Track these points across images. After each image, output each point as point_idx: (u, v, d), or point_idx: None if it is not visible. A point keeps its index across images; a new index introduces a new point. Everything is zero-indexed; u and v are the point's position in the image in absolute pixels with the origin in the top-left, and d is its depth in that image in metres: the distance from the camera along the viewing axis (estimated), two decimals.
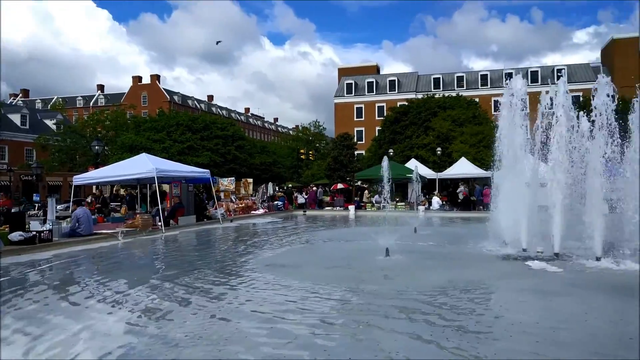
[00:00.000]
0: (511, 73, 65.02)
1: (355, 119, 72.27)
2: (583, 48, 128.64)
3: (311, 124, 75.93)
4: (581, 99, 11.24)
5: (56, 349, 4.63)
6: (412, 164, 30.99)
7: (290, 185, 47.00)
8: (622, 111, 9.81)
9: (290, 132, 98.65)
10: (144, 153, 20.54)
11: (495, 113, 48.35)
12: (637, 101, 9.76)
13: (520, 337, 4.83)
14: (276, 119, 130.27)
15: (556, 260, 9.38)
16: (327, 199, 33.56)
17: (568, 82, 11.00)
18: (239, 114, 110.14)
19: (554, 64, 69.93)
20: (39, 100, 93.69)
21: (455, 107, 42.65)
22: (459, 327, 5.16)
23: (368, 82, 73.04)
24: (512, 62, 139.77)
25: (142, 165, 17.45)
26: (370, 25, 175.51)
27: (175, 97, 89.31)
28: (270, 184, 35.22)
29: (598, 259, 9.08)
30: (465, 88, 66.70)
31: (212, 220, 20.51)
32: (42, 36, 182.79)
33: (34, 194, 35.85)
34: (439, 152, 36.02)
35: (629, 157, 9.74)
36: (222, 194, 25.52)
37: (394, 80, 72.53)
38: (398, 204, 27.80)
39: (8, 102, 79.97)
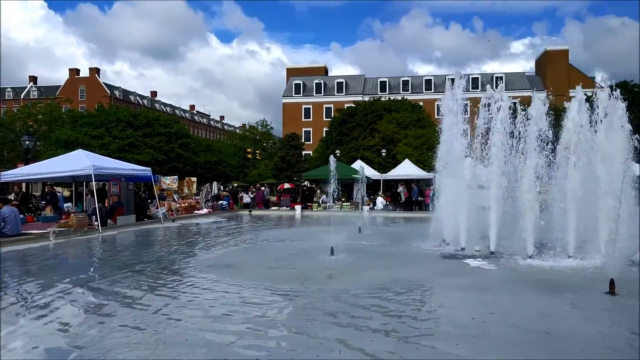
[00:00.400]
0: (453, 78, 67.66)
1: (303, 119, 72.40)
2: (519, 58, 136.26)
3: (258, 123, 75.26)
4: (518, 105, 11.95)
5: None
6: (358, 164, 31.45)
7: (235, 184, 46.31)
8: (554, 117, 10.43)
9: (237, 130, 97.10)
10: (80, 149, 19.48)
11: (438, 117, 50.09)
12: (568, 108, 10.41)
13: (457, 333, 4.99)
14: (222, 117, 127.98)
15: (492, 258, 9.81)
16: (274, 198, 33.37)
17: (505, 90, 11.54)
18: (184, 111, 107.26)
19: (493, 71, 73.36)
20: None
21: (401, 110, 43.74)
22: (401, 325, 5.27)
23: (316, 83, 73.38)
24: (454, 68, 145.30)
25: (77, 162, 16.54)
26: (319, 26, 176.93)
27: (116, 92, 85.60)
28: (215, 183, 34.54)
29: (530, 256, 9.59)
30: (410, 92, 68.53)
31: (153, 220, 19.80)
32: None
33: None
34: (383, 154, 36.77)
35: (559, 161, 10.38)
36: (164, 193, 24.74)
37: (342, 82, 73.32)
38: (343, 204, 28.11)
39: None
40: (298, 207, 27.00)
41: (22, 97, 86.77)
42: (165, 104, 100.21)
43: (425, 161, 32.59)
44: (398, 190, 28.78)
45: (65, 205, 21.15)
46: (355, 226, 15.72)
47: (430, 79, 71.98)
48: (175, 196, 25.66)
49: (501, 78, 64.70)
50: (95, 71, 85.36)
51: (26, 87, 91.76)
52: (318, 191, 32.84)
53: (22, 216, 15.32)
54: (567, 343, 4.69)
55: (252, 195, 31.02)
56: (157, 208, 20.54)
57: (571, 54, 70.89)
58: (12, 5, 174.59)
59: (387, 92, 67.08)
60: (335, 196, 12.14)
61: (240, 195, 31.61)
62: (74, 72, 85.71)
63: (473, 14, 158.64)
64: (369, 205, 27.44)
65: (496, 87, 11.17)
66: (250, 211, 27.53)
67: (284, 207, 28.91)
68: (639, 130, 9.52)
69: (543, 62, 71.80)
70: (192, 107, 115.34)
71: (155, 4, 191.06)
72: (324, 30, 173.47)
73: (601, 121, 9.82)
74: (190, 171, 44.74)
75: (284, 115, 73.55)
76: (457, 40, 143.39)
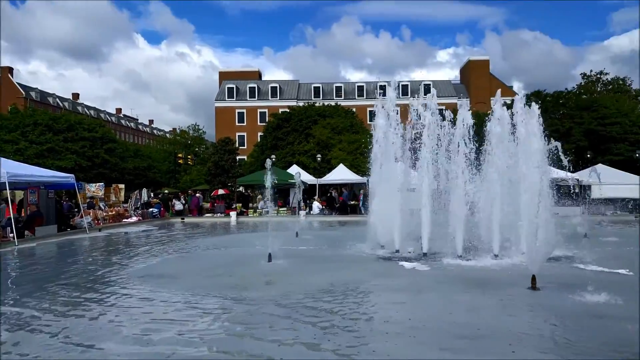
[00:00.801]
0: (384, 86, 69.83)
1: (237, 124, 71.46)
2: (445, 66, 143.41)
3: (190, 127, 73.19)
4: (444, 112, 12.63)
5: None
6: (294, 169, 31.54)
7: (166, 191, 44.70)
8: (478, 124, 11.07)
9: (167, 135, 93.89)
10: None
11: (370, 122, 51.30)
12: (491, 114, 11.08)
13: (395, 334, 5.13)
14: (152, 121, 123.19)
15: (425, 259, 10.19)
16: (207, 205, 32.57)
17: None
18: (110, 114, 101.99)
19: (422, 79, 76.51)
20: None
21: (334, 116, 44.42)
22: (341, 327, 5.32)
23: (250, 88, 72.76)
24: (385, 75, 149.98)
25: None
26: (252, 30, 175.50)
27: (32, 94, 79.69)
28: (144, 190, 33.08)
29: (459, 256, 10.08)
30: (343, 98, 69.86)
31: (77, 230, 18.61)
32: None
33: None
34: (319, 159, 37.13)
35: (483, 165, 11.02)
36: (93, 201, 23.35)
37: (276, 87, 73.26)
38: (280, 209, 28.02)
39: None
40: (233, 214, 26.54)
41: None
42: (88, 107, 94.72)
43: (359, 166, 33.34)
44: (331, 195, 29.22)
45: None
46: (292, 231, 15.71)
47: (363, 86, 73.80)
48: (101, 204, 24.30)
49: (429, 85, 67.64)
50: (7, 70, 78.98)
51: None
52: (260, 196, 32.49)
53: None
54: (496, 338, 4.97)
55: (184, 202, 30.07)
56: (82, 217, 19.34)
57: (492, 64, 75.87)
58: None
59: (321, 98, 67.90)
60: (272, 202, 12.06)
61: (172, 202, 30.53)
62: None
63: (401, 23, 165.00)
64: (305, 210, 27.56)
65: (425, 95, 11.66)
66: (183, 218, 26.68)
67: (219, 214, 28.30)
68: (552, 136, 10.35)
69: (467, 71, 76.05)
70: (119, 110, 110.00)
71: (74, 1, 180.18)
72: (256, 35, 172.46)
73: (518, 129, 10.56)
74: (117, 178, 42.58)
75: (217, 119, 72.17)
76: (386, 48, 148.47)
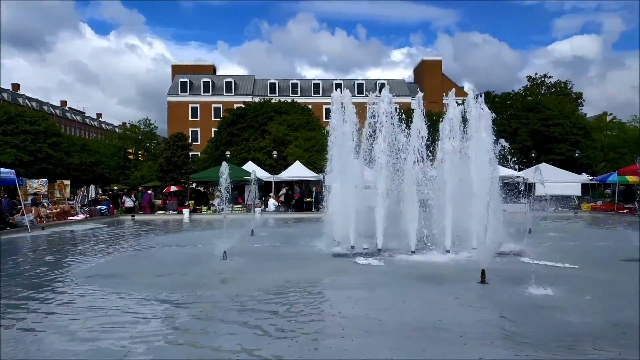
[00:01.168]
0: (340, 83, 70.38)
1: (190, 119, 69.86)
2: (399, 66, 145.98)
3: (141, 121, 70.79)
4: (398, 110, 12.87)
5: None
6: (250, 166, 31.19)
7: (115, 187, 43.11)
8: (431, 123, 11.36)
9: (117, 129, 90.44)
10: None
11: (326, 120, 51.55)
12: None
13: (351, 330, 5.17)
14: (100, 115, 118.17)
15: (379, 255, 10.35)
16: (159, 202, 31.66)
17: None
18: (54, 107, 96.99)
19: (377, 78, 77.63)
20: None
21: (291, 113, 44.28)
22: (298, 325, 5.31)
23: (204, 82, 71.30)
24: (340, 73, 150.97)
25: None
26: (205, 24, 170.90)
27: None
28: (92, 186, 31.67)
29: (413, 252, 10.31)
30: (299, 95, 69.75)
31: (17, 228, 17.60)
32: None
33: None
34: (275, 156, 36.93)
35: (436, 164, 11.32)
36: (36, 198, 22.14)
37: (231, 82, 72.18)
38: (235, 206, 27.65)
39: None
40: (186, 211, 25.93)
41: None
42: (30, 99, 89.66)
43: (315, 163, 33.44)
44: (280, 193, 29.13)
45: None
46: (247, 229, 15.54)
47: (319, 83, 74.00)
48: (45, 201, 23.10)
49: (384, 84, 68.64)
50: None
51: None
52: (218, 193, 31.86)
53: None
54: (448, 330, 5.11)
55: (134, 199, 29.10)
56: (23, 215, 18.30)
57: (444, 65, 77.86)
58: None
59: (277, 94, 67.53)
60: (226, 199, 11.84)
61: (122, 199, 29.47)
62: None
63: (357, 21, 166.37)
64: (260, 207, 27.33)
65: (380, 93, 11.84)
66: (134, 216, 25.81)
67: (171, 211, 27.59)
68: (501, 136, 10.78)
69: (420, 71, 77.82)
70: (64, 103, 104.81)
71: None
72: (210, 28, 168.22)
73: (469, 128, 10.93)
74: (62, 173, 40.60)
75: (169, 114, 70.26)
76: (342, 46, 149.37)
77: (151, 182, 44.32)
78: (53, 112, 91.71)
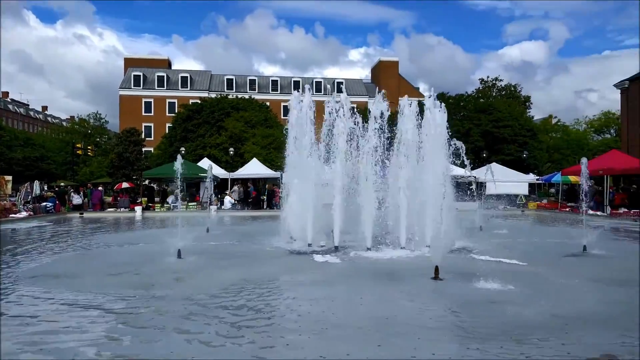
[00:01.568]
0: (299, 81, 70.34)
1: (143, 114, 67.85)
2: (357, 65, 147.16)
3: (90, 115, 68.22)
4: (356, 110, 13.02)
5: None
6: (205, 163, 30.63)
7: (62, 183, 41.24)
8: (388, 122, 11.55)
9: (64, 123, 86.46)
10: None
11: (284, 117, 51.33)
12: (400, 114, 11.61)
13: (308, 327, 5.18)
14: (45, 108, 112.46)
15: (336, 252, 10.43)
16: (109, 199, 30.57)
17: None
18: None
19: (335, 77, 78.07)
20: None
21: (248, 109, 43.84)
22: (254, 323, 5.26)
23: (158, 76, 69.41)
24: (299, 71, 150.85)
25: None
26: (160, 16, 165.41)
27: None
28: (36, 183, 30.16)
29: (369, 249, 10.46)
30: (257, 91, 69.15)
31: None
32: None
33: None
34: (231, 152, 36.45)
35: (393, 162, 11.53)
36: None
37: (187, 77, 70.64)
38: (190, 204, 27.09)
39: None
40: (138, 208, 25.16)
41: None
42: None
43: (273, 160, 33.28)
44: (231, 191, 28.81)
45: None
46: (203, 227, 15.26)
47: (277, 80, 73.66)
48: None
49: (342, 83, 69.26)
50: None
51: None
52: (177, 190, 31.02)
53: None
54: (403, 326, 5.22)
55: (82, 196, 27.91)
56: None
57: (400, 66, 79.33)
58: None
59: (234, 90, 66.68)
60: (180, 196, 11.55)
61: (70, 195, 28.21)
62: None
63: (315, 19, 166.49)
64: (216, 204, 26.91)
65: (338, 92, 11.93)
66: (82, 213, 24.78)
67: (122, 209, 26.69)
68: (454, 136, 11.11)
69: (377, 71, 78.96)
70: (5, 94, 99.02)
71: None
72: (165, 21, 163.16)
73: (425, 130, 11.19)
74: (4, 168, 38.46)
75: (121, 108, 67.95)
76: (300, 44, 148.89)
77: (101, 178, 42.79)
78: None
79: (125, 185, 32.65)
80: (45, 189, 31.39)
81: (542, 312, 5.72)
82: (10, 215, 21.18)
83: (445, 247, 8.07)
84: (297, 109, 12.27)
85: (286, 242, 12.04)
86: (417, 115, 11.53)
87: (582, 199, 12.02)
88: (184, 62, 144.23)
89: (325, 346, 4.60)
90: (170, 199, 28.43)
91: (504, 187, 29.02)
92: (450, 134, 11.03)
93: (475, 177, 27.80)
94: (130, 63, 73.21)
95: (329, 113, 11.40)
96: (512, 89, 64.14)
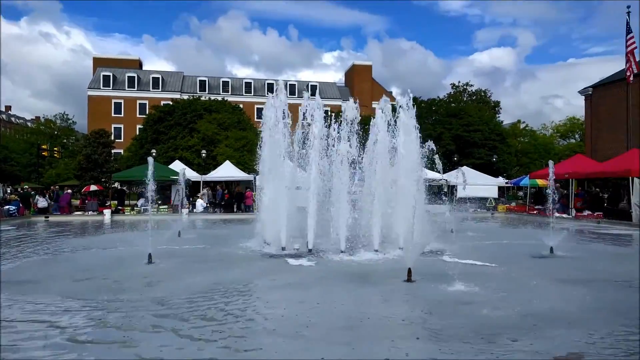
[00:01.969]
0: (272, 84, 70.16)
1: (113, 115, 66.39)
2: (330, 68, 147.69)
3: (57, 116, 66.34)
4: (329, 113, 13.12)
5: None
6: (177, 165, 30.14)
7: (26, 186, 39.91)
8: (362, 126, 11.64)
9: (29, 124, 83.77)
10: None
11: (258, 120, 51.08)
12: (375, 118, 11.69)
13: (282, 330, 5.14)
14: (9, 108, 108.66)
15: (310, 255, 10.41)
16: (77, 202, 29.73)
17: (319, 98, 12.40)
18: None
19: (308, 80, 78.20)
20: None
21: (221, 111, 43.37)
22: (227, 328, 5.19)
23: (129, 77, 68.05)
24: (272, 73, 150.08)
25: None
26: (130, 15, 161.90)
27: None
28: None
29: (342, 252, 10.49)
30: (230, 93, 68.63)
31: None
32: None
33: None
34: (204, 155, 36.00)
35: (365, 166, 11.62)
36: None
37: (158, 77, 69.49)
38: (160, 207, 26.59)
39: None
40: (107, 212, 24.55)
41: None
42: None
43: (246, 163, 33.03)
44: (200, 194, 28.52)
45: None
46: (174, 230, 15.00)
47: (250, 82, 73.26)
48: None
49: (315, 86, 69.41)
50: None
51: None
52: (149, 193, 30.39)
53: None
54: (377, 328, 5.25)
55: (47, 199, 27.06)
56: None
57: (373, 70, 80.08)
58: None
59: (207, 92, 65.93)
60: (152, 199, 11.30)
61: (35, 198, 27.31)
62: None
63: (289, 22, 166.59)
64: (188, 208, 26.51)
65: (312, 95, 11.94)
66: (47, 217, 24.01)
67: (90, 212, 25.99)
68: (426, 140, 11.27)
69: (351, 74, 79.51)
70: None
71: None
72: (136, 20, 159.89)
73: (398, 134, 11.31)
74: None
75: (89, 109, 66.30)
76: (274, 46, 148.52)
77: (68, 180, 41.62)
78: None
79: (93, 187, 31.83)
80: (9, 191, 30.28)
81: (512, 312, 5.84)
82: None
83: (417, 249, 8.15)
84: (272, 110, 12.21)
85: (260, 245, 11.95)
86: (392, 119, 11.63)
87: (550, 201, 12.35)
88: (156, 63, 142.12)
89: (299, 349, 4.58)
90: (140, 202, 27.86)
91: (474, 190, 29.61)
92: (422, 138, 11.18)
93: (446, 180, 28.29)
94: (99, 63, 71.56)
95: (304, 114, 11.41)
96: (483, 94, 65.61)
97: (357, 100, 12.14)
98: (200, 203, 27.58)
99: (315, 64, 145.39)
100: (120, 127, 65.27)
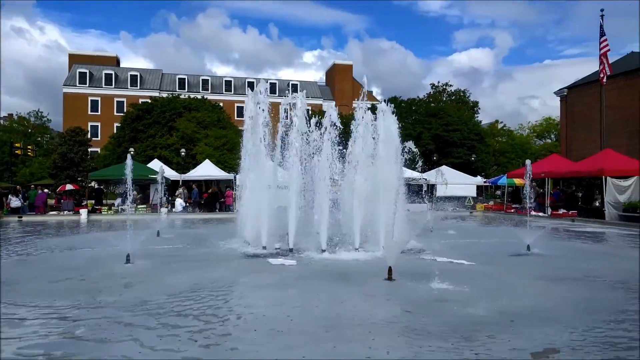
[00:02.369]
0: (253, 82, 69.76)
1: (89, 113, 65.13)
2: (311, 67, 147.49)
3: (31, 113, 64.69)
4: (310, 112, 13.17)
5: None
6: (156, 164, 29.73)
7: None
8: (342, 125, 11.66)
9: (1, 121, 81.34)
10: None
11: (238, 118, 50.80)
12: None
13: (264, 330, 5.12)
14: None
15: (291, 255, 10.39)
16: (52, 201, 29.07)
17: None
18: None
19: (289, 78, 78.03)
20: None
21: (201, 110, 42.98)
22: (208, 329, 5.14)
23: (106, 74, 66.85)
24: (252, 72, 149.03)
25: None
26: (107, 11, 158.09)
27: None
28: None
29: (323, 251, 10.50)
30: (210, 92, 68.03)
31: None
32: None
33: None
34: (183, 154, 35.61)
35: (347, 165, 11.65)
36: None
37: (136, 75, 68.43)
38: (139, 206, 26.21)
39: None
40: (84, 211, 24.09)
41: None
42: None
43: (226, 162, 32.78)
44: (177, 193, 28.24)
45: None
46: (153, 230, 14.80)
47: (230, 80, 72.74)
48: None
49: (296, 85, 69.35)
50: None
51: None
52: (141, 195, 29.83)
53: None
54: (358, 326, 5.27)
55: (21, 199, 26.37)
56: None
57: (354, 69, 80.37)
58: None
59: (187, 90, 65.26)
60: (130, 198, 11.12)
61: (8, 198, 26.57)
62: None
63: (269, 20, 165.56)
64: (167, 207, 26.19)
65: (293, 94, 11.92)
66: (20, 217, 23.43)
67: (66, 212, 25.46)
68: (406, 140, 11.37)
69: (332, 74, 79.63)
70: None
71: None
72: (112, 17, 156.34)
73: (378, 133, 11.39)
74: None
75: (65, 106, 64.91)
76: (254, 44, 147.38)
77: (43, 180, 40.67)
78: None
79: (69, 187, 31.17)
80: None
81: (490, 309, 5.94)
82: None
83: (398, 248, 8.22)
84: (252, 107, 12.14)
85: (240, 244, 11.88)
86: (371, 119, 11.69)
87: (526, 199, 12.57)
88: (133, 60, 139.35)
89: (280, 348, 4.56)
90: (117, 201, 27.40)
91: (453, 189, 30.01)
92: (401, 137, 11.27)
93: (425, 179, 28.59)
94: (75, 59, 70.07)
95: (285, 111, 11.38)
96: (462, 94, 66.46)
97: (338, 107, 12.16)
98: (179, 202, 27.28)
99: (296, 63, 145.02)
100: (97, 125, 64.10)
